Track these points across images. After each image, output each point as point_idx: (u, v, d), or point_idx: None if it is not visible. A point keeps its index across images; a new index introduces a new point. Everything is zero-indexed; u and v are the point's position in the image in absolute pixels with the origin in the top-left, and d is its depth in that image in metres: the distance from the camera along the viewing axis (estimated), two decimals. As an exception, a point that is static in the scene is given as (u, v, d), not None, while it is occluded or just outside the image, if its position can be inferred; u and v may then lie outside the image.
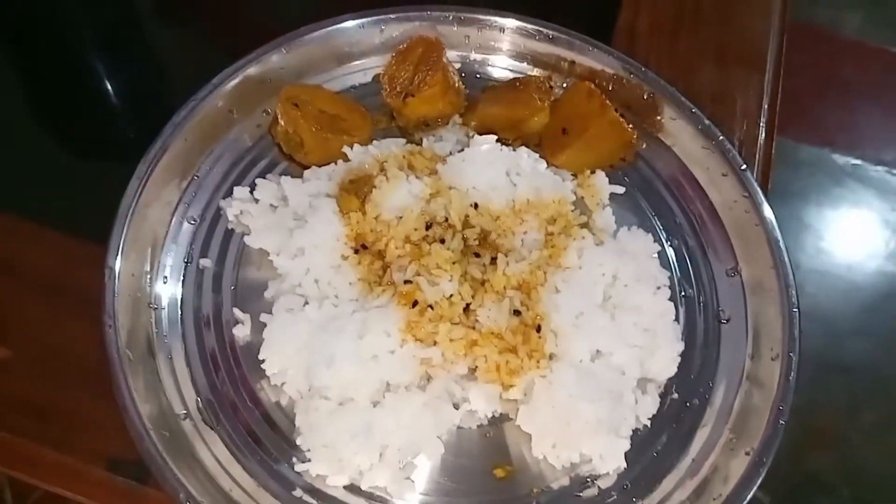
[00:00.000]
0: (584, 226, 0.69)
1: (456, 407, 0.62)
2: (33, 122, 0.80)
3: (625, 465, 0.61)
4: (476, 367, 0.62)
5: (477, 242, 0.66)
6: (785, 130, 0.82)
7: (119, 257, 0.61)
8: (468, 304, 0.63)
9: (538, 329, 0.62)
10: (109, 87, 0.84)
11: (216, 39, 0.86)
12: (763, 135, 0.81)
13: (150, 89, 0.84)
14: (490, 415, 0.63)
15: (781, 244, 0.68)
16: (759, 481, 0.60)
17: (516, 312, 0.63)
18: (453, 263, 0.63)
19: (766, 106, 0.83)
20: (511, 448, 0.63)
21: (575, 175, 0.73)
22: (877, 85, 1.93)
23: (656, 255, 0.70)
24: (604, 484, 0.62)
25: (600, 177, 0.73)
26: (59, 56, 0.83)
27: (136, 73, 0.84)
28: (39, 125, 0.80)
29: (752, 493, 0.59)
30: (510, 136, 0.73)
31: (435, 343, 0.62)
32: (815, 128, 1.87)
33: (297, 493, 0.58)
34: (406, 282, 0.62)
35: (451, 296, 0.63)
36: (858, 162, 1.83)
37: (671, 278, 0.69)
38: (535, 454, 0.62)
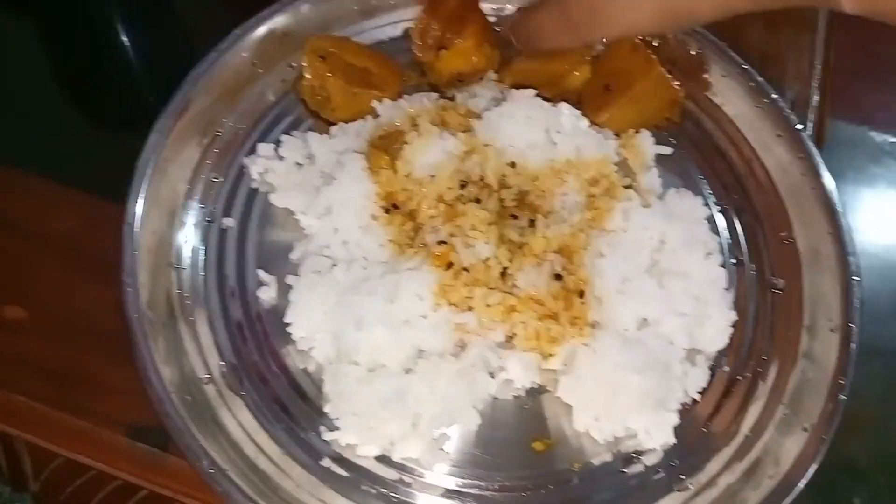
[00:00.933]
0: (629, 187, 0.65)
1: (492, 376, 0.58)
2: (52, 81, 0.77)
3: (673, 440, 0.58)
4: (514, 334, 0.59)
5: (514, 203, 0.62)
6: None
7: (139, 215, 0.58)
8: (505, 269, 0.60)
9: (581, 295, 0.58)
10: (129, 45, 0.81)
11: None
12: (816, 96, 0.76)
13: (170, 49, 0.81)
14: (528, 385, 0.59)
15: (839, 208, 0.64)
16: (819, 459, 0.56)
17: (557, 277, 0.59)
18: (489, 225, 0.60)
19: (818, 66, 0.78)
20: (549, 421, 0.59)
21: (618, 134, 0.68)
22: (919, 61, 1.86)
23: (706, 219, 0.65)
24: (649, 461, 0.58)
25: (645, 136, 0.68)
26: (78, 15, 0.80)
27: (156, 32, 0.81)
28: (59, 84, 0.77)
29: (811, 471, 0.55)
30: (549, 93, 0.68)
31: (470, 308, 0.58)
32: (853, 106, 1.80)
33: (325, 462, 0.55)
34: (440, 243, 0.59)
35: (488, 259, 0.59)
36: (897, 140, 1.77)
37: (721, 244, 0.65)
38: (576, 427, 0.59)
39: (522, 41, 0.67)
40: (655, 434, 0.58)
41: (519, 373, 0.58)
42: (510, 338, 0.59)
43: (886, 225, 1.77)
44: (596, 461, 0.58)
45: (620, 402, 0.57)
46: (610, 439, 0.58)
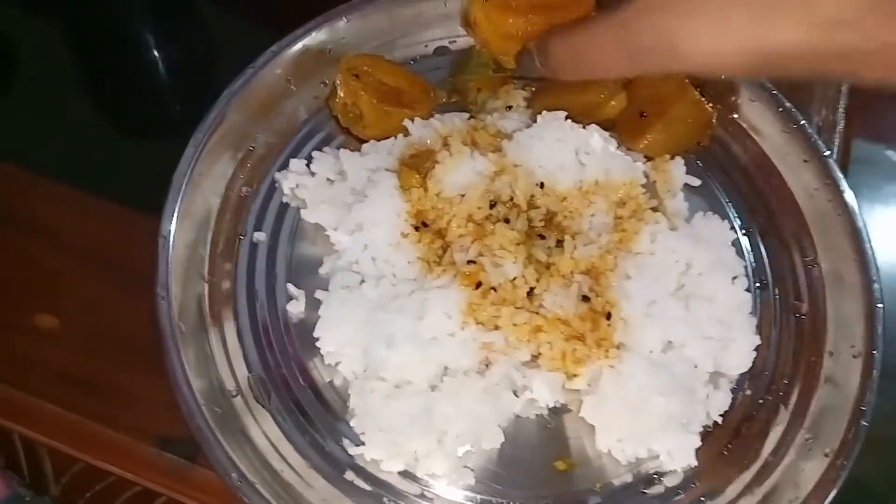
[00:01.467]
0: (656, 209, 0.65)
1: (516, 394, 0.59)
2: (87, 94, 0.78)
3: (695, 462, 0.58)
4: (539, 353, 0.59)
5: (542, 224, 0.62)
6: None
7: (173, 227, 0.59)
8: (532, 289, 0.60)
9: (608, 317, 0.59)
10: (160, 59, 0.82)
11: (270, 13, 0.84)
12: (842, 121, 0.76)
13: (201, 63, 0.82)
14: (552, 405, 0.59)
15: (865, 235, 0.64)
16: (839, 484, 0.56)
17: (585, 298, 0.59)
18: (517, 245, 0.60)
19: (844, 91, 0.78)
20: (571, 441, 0.60)
21: (650, 158, 0.68)
22: (937, 82, 1.85)
23: (732, 243, 0.66)
24: (670, 482, 0.59)
25: (678, 163, 0.68)
26: (113, 30, 0.82)
27: (187, 47, 0.82)
28: (93, 98, 0.78)
29: (831, 497, 0.56)
30: (583, 122, 0.67)
31: (497, 327, 0.59)
32: (870, 125, 1.79)
33: (349, 475, 0.56)
34: (469, 262, 0.59)
35: (515, 278, 0.60)
36: (915, 160, 1.77)
37: (746, 268, 0.66)
38: (598, 447, 0.59)
39: (555, 65, 0.57)
40: (678, 456, 0.58)
41: (543, 392, 0.58)
42: (535, 357, 0.59)
43: (903, 244, 1.76)
44: (617, 482, 0.59)
45: (644, 424, 0.57)
46: (632, 460, 0.59)
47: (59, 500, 0.77)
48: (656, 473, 0.59)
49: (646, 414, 0.57)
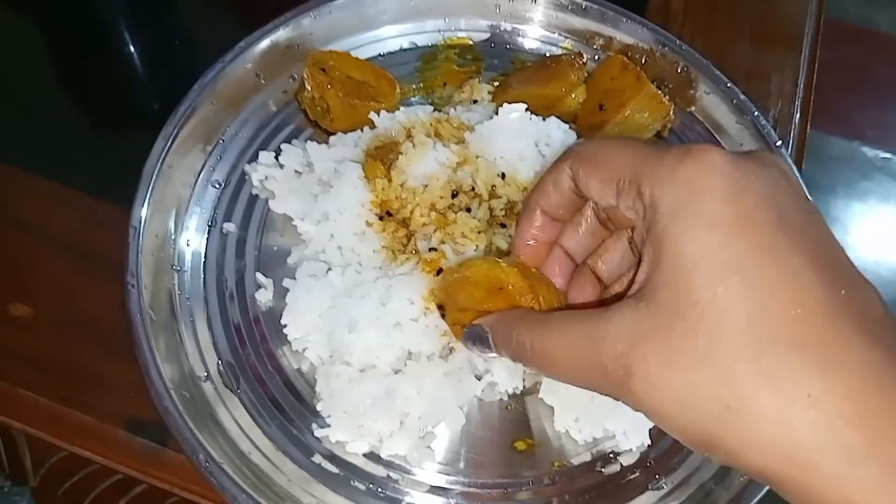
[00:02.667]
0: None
1: (478, 378, 0.60)
2: (59, 85, 0.79)
3: (649, 441, 0.60)
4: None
5: (503, 213, 0.64)
6: (813, 124, 0.80)
7: (143, 218, 0.61)
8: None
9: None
10: (134, 53, 0.83)
11: (243, 8, 0.86)
12: (798, 114, 0.79)
13: (174, 57, 0.83)
14: (511, 391, 0.61)
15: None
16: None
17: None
18: (479, 233, 0.62)
19: (801, 84, 0.81)
20: (533, 422, 0.62)
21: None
22: (911, 80, 1.89)
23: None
24: (626, 461, 0.61)
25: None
26: (86, 23, 0.83)
27: (161, 41, 0.84)
28: (64, 89, 0.80)
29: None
30: (545, 115, 0.70)
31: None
32: (845, 122, 1.83)
33: (317, 458, 0.58)
34: (430, 249, 0.61)
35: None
36: (888, 156, 1.80)
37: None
38: (557, 428, 0.61)
39: (516, 353, 0.47)
40: (632, 436, 0.60)
41: (504, 377, 0.60)
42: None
43: (877, 239, 1.80)
44: (575, 461, 0.61)
45: (599, 405, 0.59)
46: (589, 440, 0.61)
47: (39, 490, 0.78)
48: (612, 453, 0.61)
49: (600, 395, 0.59)
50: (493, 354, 0.50)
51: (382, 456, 0.58)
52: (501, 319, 0.49)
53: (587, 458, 0.61)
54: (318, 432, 0.58)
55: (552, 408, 0.61)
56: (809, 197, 0.42)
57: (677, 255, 0.35)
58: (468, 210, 0.63)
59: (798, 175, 0.69)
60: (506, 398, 0.62)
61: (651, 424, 0.60)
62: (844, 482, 0.32)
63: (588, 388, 0.41)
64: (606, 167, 0.42)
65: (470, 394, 0.60)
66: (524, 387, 0.62)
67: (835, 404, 0.32)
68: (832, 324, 0.33)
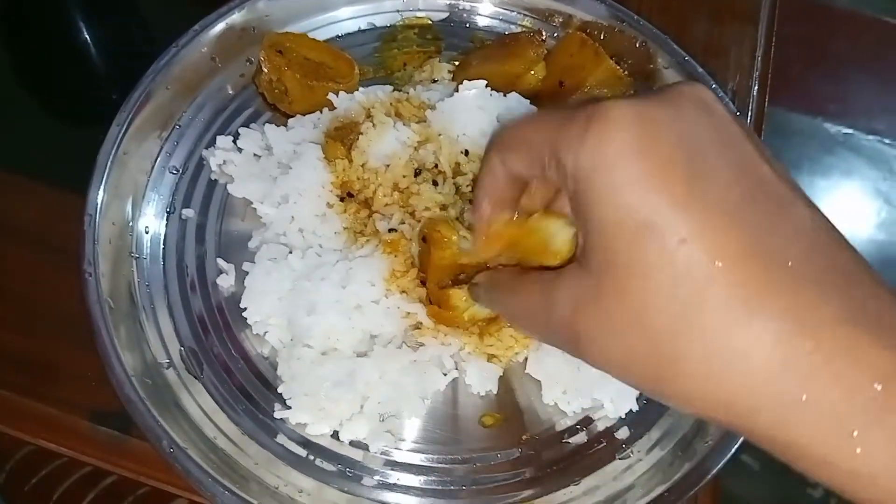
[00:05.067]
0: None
1: (444, 374, 0.60)
2: (15, 76, 0.78)
3: (636, 406, 0.61)
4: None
5: (470, 189, 0.64)
6: (776, 100, 0.81)
7: (99, 205, 0.60)
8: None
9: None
10: (90, 41, 0.82)
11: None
12: (756, 86, 0.80)
13: (131, 44, 0.82)
14: (485, 392, 0.61)
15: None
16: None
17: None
18: (443, 207, 0.62)
19: (759, 57, 0.82)
20: (500, 397, 0.62)
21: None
22: (869, 55, 1.91)
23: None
24: (594, 429, 0.61)
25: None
26: (40, 11, 0.81)
27: (117, 28, 0.82)
28: (21, 79, 0.78)
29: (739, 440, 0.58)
30: (504, 92, 0.69)
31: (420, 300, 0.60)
32: (807, 98, 1.85)
33: (281, 439, 0.58)
34: (390, 230, 0.61)
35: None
36: (850, 131, 1.82)
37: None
38: (546, 401, 0.61)
39: (488, 302, 0.53)
40: (620, 403, 0.61)
41: (476, 381, 0.60)
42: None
43: (841, 215, 1.82)
44: (542, 433, 0.61)
45: (584, 375, 0.60)
46: (578, 411, 0.61)
47: (5, 486, 0.77)
48: (579, 424, 0.61)
49: (585, 365, 0.59)
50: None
51: (342, 440, 0.58)
52: (487, 277, 0.52)
53: (554, 430, 0.61)
54: (279, 414, 0.58)
55: (519, 382, 0.61)
56: (737, 113, 0.39)
57: (600, 221, 0.35)
58: (434, 184, 0.63)
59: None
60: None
61: (637, 392, 0.61)
62: (787, 429, 0.32)
63: (556, 347, 0.42)
64: (526, 148, 0.41)
65: (434, 387, 0.60)
66: (497, 391, 0.61)
67: (764, 354, 0.32)
68: (754, 272, 0.32)
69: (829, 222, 0.35)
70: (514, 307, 0.46)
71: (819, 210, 0.35)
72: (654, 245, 0.33)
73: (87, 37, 0.82)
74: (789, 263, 0.33)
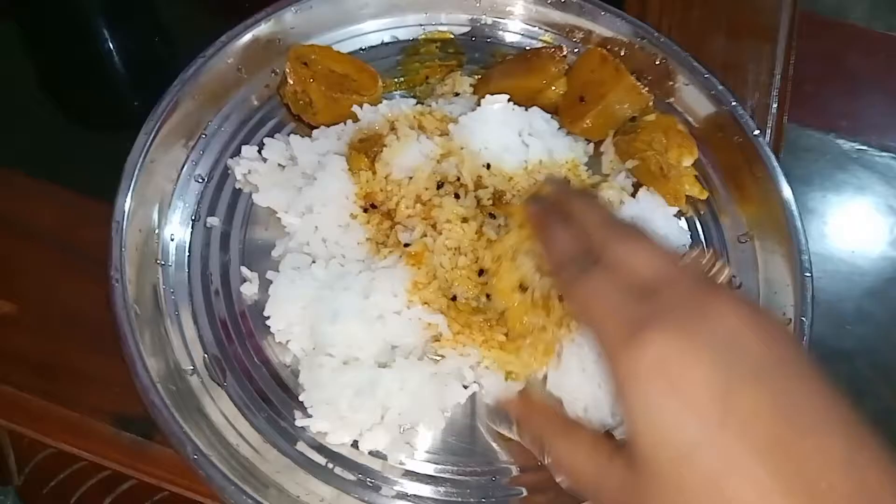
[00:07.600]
0: (597, 186, 0.68)
1: (465, 387, 0.60)
2: (40, 84, 0.79)
3: None
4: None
5: (491, 202, 0.65)
6: (789, 116, 0.81)
7: (126, 212, 0.61)
8: (482, 270, 0.62)
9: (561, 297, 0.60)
10: (113, 50, 0.83)
11: (224, 3, 0.86)
12: (775, 104, 0.80)
13: (152, 53, 0.83)
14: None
15: (794, 210, 0.67)
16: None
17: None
18: (464, 221, 0.62)
19: (777, 74, 0.82)
20: (518, 409, 0.62)
21: (590, 141, 0.71)
22: (883, 71, 1.91)
23: (675, 216, 0.69)
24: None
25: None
26: (65, 21, 0.83)
27: (140, 37, 0.84)
28: (46, 87, 0.79)
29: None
30: (526, 107, 0.71)
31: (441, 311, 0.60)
32: (820, 114, 1.85)
33: (300, 447, 0.58)
34: (406, 245, 0.61)
35: (461, 250, 0.62)
36: (863, 147, 1.82)
37: (690, 240, 0.69)
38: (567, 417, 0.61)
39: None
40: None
41: (495, 394, 0.60)
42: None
43: (852, 231, 1.81)
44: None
45: (606, 392, 0.59)
46: (599, 428, 0.60)
47: (23, 489, 0.78)
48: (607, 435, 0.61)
49: (606, 381, 0.59)
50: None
51: (363, 450, 0.58)
52: (529, 414, 0.54)
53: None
54: (300, 422, 0.58)
55: (538, 396, 0.61)
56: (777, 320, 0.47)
57: (645, 435, 0.39)
58: (456, 197, 0.63)
59: (775, 162, 0.69)
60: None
61: None
62: None
63: None
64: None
65: (454, 400, 0.60)
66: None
67: None
68: None
69: (864, 442, 0.37)
70: (564, 462, 0.48)
71: (855, 437, 0.37)
72: (694, 472, 0.36)
73: (111, 45, 0.83)
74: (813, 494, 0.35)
